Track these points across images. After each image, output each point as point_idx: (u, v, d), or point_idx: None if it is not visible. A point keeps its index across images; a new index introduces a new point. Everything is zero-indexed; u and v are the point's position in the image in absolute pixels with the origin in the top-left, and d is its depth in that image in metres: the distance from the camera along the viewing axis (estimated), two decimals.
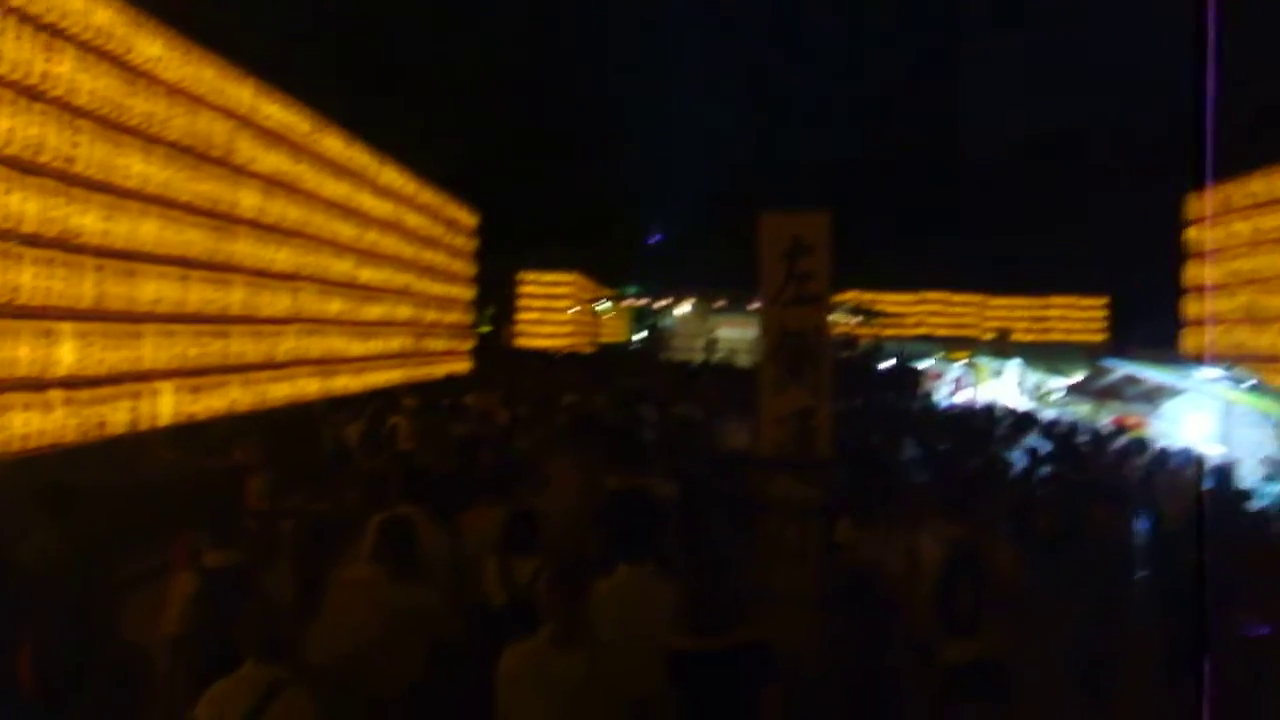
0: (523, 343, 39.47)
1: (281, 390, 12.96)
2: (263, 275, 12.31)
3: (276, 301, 12.71)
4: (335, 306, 14.97)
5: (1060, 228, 53.70)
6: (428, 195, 20.39)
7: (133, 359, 9.43)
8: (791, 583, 6.69)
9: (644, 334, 48.81)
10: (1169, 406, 13.09)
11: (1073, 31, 50.18)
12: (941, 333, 41.86)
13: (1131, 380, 12.67)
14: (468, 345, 24.97)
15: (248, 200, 11.80)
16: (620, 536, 5.23)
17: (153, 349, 9.77)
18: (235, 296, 11.56)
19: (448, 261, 22.49)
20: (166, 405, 10.06)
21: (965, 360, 21.96)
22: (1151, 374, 12.70)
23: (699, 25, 62.67)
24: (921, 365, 24.45)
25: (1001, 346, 22.14)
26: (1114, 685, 6.65)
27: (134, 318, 9.51)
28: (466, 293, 24.69)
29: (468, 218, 24.36)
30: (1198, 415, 12.49)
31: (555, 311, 40.65)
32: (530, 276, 40.29)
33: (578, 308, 41.66)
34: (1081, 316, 44.30)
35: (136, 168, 9.42)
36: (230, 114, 11.46)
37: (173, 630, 5.46)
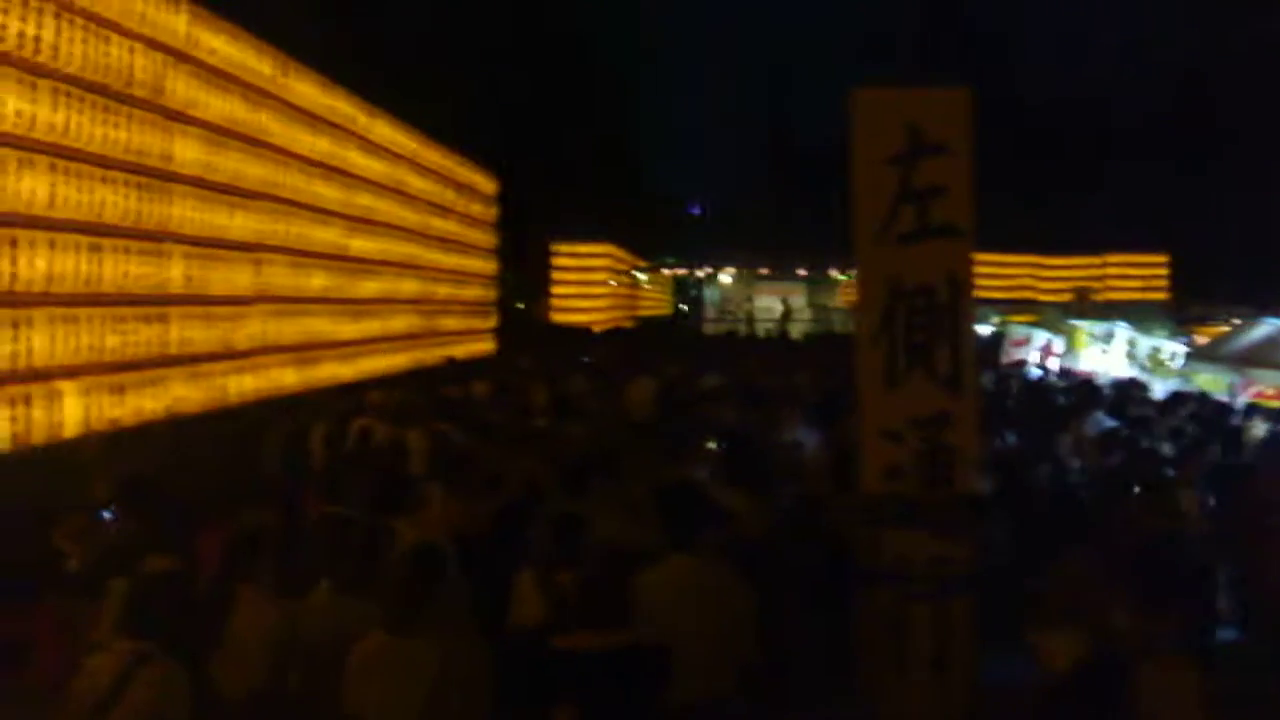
0: (559, 318, 37.30)
1: (246, 383, 10.81)
2: (213, 245, 10.11)
3: (233, 276, 10.52)
4: (317, 282, 12.79)
5: (1111, 184, 50.90)
6: (435, 155, 18.15)
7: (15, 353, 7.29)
8: (922, 708, 4.26)
9: (687, 305, 46.53)
10: None
11: None
12: (998, 295, 39.11)
13: None
14: (490, 323, 22.76)
15: (187, 153, 9.57)
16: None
17: (48, 338, 7.61)
18: (174, 271, 9.37)
19: (464, 231, 20.27)
20: (73, 410, 7.91)
21: (1050, 325, 19.26)
22: None
23: None
24: (997, 332, 21.81)
25: (1082, 307, 19.48)
26: None
27: (21, 300, 7.37)
28: (488, 266, 22.46)
29: (486, 183, 22.12)
30: None
31: (592, 285, 38.38)
32: (564, 248, 38.02)
33: (614, 280, 39.39)
34: (1142, 275, 41.24)
35: (11, 106, 7.22)
36: (159, 45, 9.21)
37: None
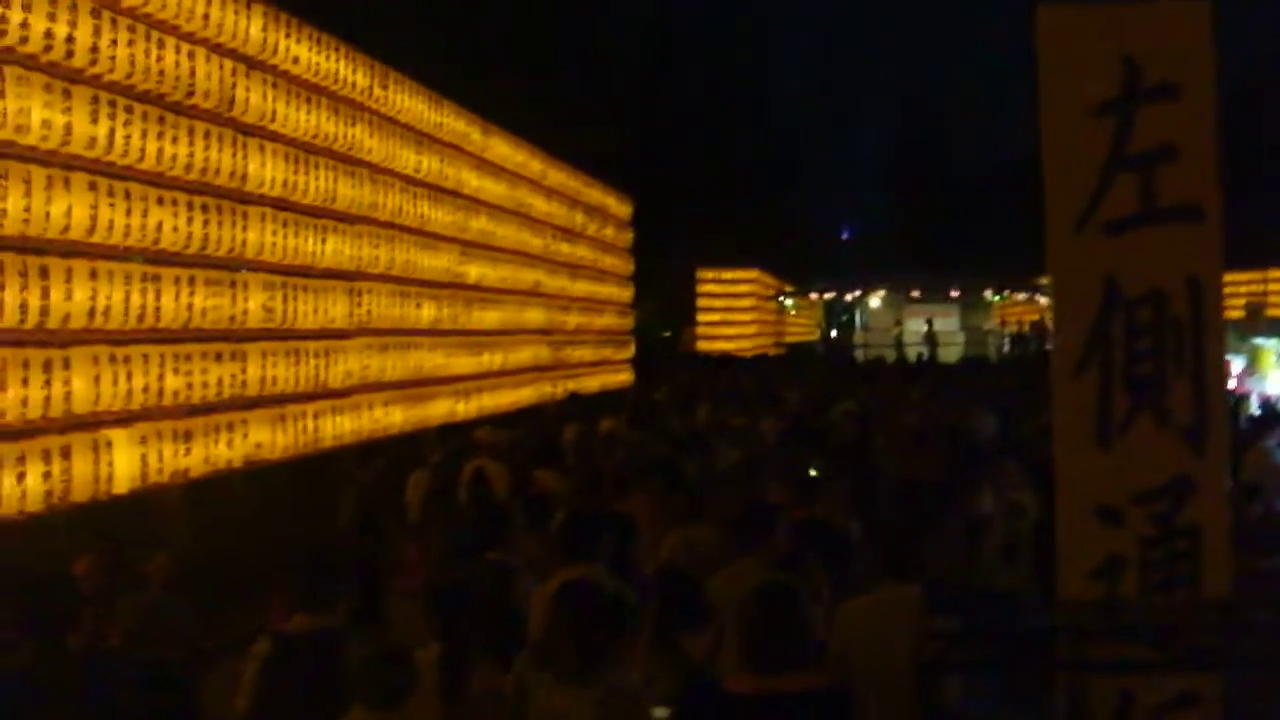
0: (705, 346, 36.00)
1: (342, 425, 9.81)
2: (299, 274, 9.15)
3: (327, 307, 9.54)
4: (427, 312, 11.79)
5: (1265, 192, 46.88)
6: (561, 176, 17.10)
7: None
8: None
9: (836, 330, 44.83)
10: None
11: None
12: None
13: None
14: (627, 354, 21.62)
15: (265, 171, 8.63)
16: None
17: (90, 381, 6.67)
18: (250, 302, 8.40)
19: (596, 256, 19.18)
20: (125, 461, 6.96)
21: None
22: None
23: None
24: None
25: (1256, 323, 17.30)
26: None
27: (55, 339, 6.46)
28: (622, 293, 21.33)
29: (619, 206, 21.02)
30: None
31: (738, 311, 36.90)
32: (709, 274, 36.70)
33: (761, 306, 37.92)
34: None
35: (36, 116, 6.30)
36: (226, 51, 8.28)
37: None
